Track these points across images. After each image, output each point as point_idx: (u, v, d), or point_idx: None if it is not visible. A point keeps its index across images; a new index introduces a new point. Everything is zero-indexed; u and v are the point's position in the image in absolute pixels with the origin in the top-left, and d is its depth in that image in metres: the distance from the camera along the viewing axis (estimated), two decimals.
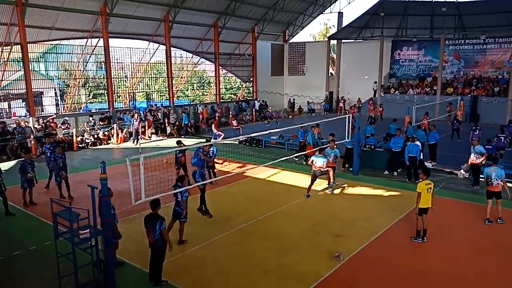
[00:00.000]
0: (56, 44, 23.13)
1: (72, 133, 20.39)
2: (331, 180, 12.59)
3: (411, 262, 8.22)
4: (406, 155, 13.71)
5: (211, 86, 33.71)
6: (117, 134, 22.04)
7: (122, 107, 25.85)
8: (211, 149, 12.27)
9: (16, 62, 20.92)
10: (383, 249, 8.79)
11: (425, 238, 8.99)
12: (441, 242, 9.01)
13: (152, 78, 29.97)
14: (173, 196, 8.94)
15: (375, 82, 32.68)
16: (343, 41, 36.01)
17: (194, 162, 11.16)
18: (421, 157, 14.18)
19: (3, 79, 20.83)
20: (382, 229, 9.71)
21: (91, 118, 22.54)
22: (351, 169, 15.14)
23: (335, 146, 13.11)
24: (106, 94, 24.89)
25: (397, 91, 32.50)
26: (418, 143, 13.99)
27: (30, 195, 11.74)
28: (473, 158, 12.86)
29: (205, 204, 10.67)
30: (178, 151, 13.41)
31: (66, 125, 20.94)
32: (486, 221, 10.08)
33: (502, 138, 16.22)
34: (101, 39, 23.33)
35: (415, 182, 11.96)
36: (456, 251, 8.62)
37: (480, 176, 12.69)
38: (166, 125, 24.69)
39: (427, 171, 9.45)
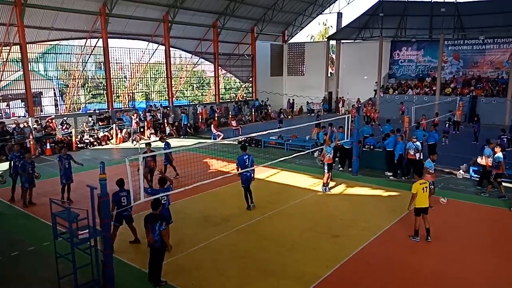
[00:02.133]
0: (55, 45, 23.13)
1: (71, 133, 20.39)
2: (326, 181, 12.73)
3: (411, 263, 8.22)
4: (397, 153, 13.89)
5: (210, 87, 33.70)
6: (116, 135, 22.03)
7: (122, 107, 25.84)
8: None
9: (15, 62, 20.90)
10: (383, 249, 8.78)
11: (429, 238, 8.97)
12: (441, 243, 9.00)
13: (152, 79, 29.97)
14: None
15: (377, 82, 32.71)
16: (342, 41, 36.06)
17: None
18: (421, 157, 14.23)
19: (2, 79, 20.81)
20: (381, 229, 9.71)
21: (90, 118, 22.54)
22: (350, 169, 15.16)
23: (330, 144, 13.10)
24: (105, 95, 24.89)
25: (396, 92, 32.53)
26: (418, 143, 14.01)
27: (29, 195, 11.72)
28: (491, 161, 12.37)
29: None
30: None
31: (66, 125, 20.93)
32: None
33: (505, 139, 16.17)
34: (100, 39, 23.33)
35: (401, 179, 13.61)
36: (456, 252, 8.62)
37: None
38: (165, 125, 24.68)
39: (419, 172, 9.50)
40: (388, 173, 14.72)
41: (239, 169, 11.09)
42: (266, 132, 13.25)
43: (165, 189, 8.63)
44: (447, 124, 20.89)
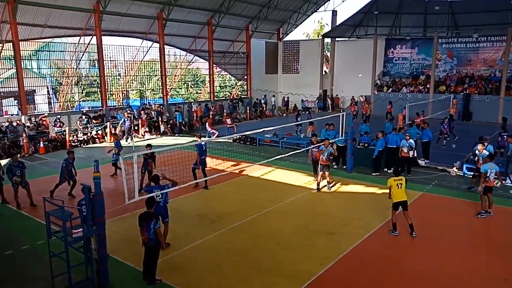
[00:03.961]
0: (48, 42, 22.95)
1: (65, 131, 20.26)
2: (328, 179, 12.75)
3: (404, 260, 8.28)
4: (376, 149, 14.23)
5: (205, 84, 33.63)
6: (111, 133, 21.91)
7: (116, 105, 25.70)
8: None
9: (8, 60, 20.73)
10: (377, 246, 8.83)
11: (413, 234, 9.12)
12: (434, 240, 9.07)
13: (146, 76, 29.84)
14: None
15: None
16: (337, 39, 36.10)
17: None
18: (415, 155, 14.34)
19: None
20: (375, 227, 9.77)
21: (84, 117, 22.41)
22: (344, 167, 15.21)
23: (329, 145, 13.12)
24: (99, 92, 24.74)
25: (390, 89, 32.65)
26: (411, 141, 14.09)
27: (29, 196, 11.52)
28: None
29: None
30: (147, 155, 12.65)
31: (59, 123, 20.80)
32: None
33: (505, 136, 16.02)
34: (94, 37, 23.17)
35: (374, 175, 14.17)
36: (449, 249, 8.69)
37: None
38: (160, 123, 24.61)
39: (395, 171, 9.87)
40: (388, 171, 14.67)
41: (198, 154, 12.84)
42: (260, 130, 13.26)
43: (160, 186, 8.62)
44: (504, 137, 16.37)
